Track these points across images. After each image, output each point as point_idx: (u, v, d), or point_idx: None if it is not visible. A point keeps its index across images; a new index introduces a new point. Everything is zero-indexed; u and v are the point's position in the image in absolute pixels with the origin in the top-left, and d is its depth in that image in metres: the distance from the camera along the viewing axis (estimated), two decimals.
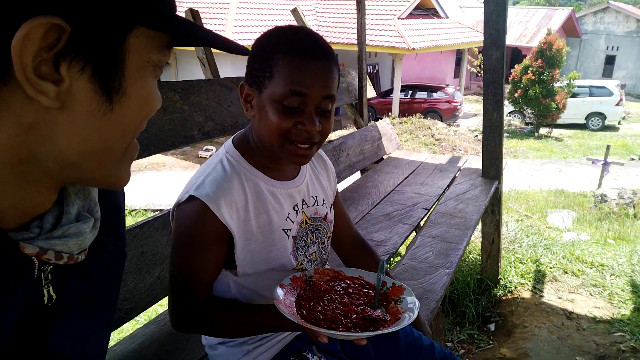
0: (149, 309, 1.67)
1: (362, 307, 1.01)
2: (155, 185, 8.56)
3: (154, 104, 0.54)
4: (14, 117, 0.44)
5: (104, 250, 0.66)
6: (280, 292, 0.99)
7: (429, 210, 2.83)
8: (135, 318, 1.73)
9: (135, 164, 10.50)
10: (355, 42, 3.63)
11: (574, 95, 14.99)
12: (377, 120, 4.40)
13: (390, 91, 16.19)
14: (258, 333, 1.09)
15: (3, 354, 0.50)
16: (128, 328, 2.81)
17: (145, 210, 6.74)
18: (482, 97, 3.35)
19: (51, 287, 0.56)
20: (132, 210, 6.63)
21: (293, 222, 1.12)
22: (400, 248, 2.49)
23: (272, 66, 0.97)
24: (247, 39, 12.43)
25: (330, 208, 1.26)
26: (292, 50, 0.97)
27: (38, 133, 0.46)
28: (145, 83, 0.51)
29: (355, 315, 0.97)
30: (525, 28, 22.80)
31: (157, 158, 11.10)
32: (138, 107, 0.51)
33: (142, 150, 1.77)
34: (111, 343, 1.51)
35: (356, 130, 3.65)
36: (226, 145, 1.10)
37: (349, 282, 1.10)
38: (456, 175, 3.48)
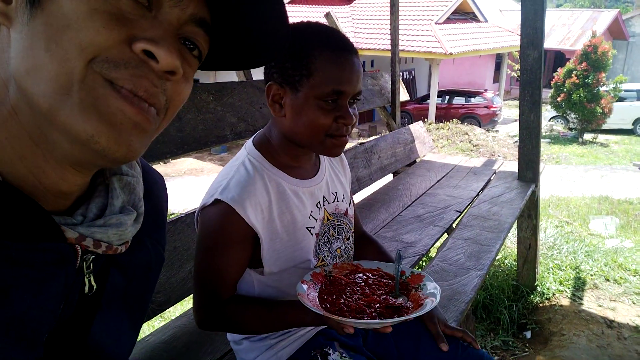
0: (179, 303, 1.72)
1: (383, 297, 1.02)
2: (193, 190, 8.76)
3: (87, 29, 0.45)
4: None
5: (145, 251, 0.67)
6: (302, 287, 1.00)
7: (461, 212, 2.79)
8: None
9: (175, 170, 10.80)
10: None
11: (621, 99, 14.40)
12: None
13: (427, 97, 16.01)
14: (283, 328, 1.10)
15: (45, 340, 0.51)
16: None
17: (182, 213, 6.89)
18: None
19: (92, 277, 0.56)
20: (171, 214, 6.82)
21: (316, 220, 1.13)
22: (431, 250, 2.46)
23: (309, 64, 0.97)
24: None
25: (350, 203, 1.26)
26: (329, 47, 0.98)
27: (8, 68, 0.47)
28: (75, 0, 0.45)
29: (378, 305, 0.98)
30: (569, 31, 22.09)
31: (196, 163, 11.38)
32: (61, 21, 0.45)
33: (177, 149, 1.83)
34: (142, 335, 1.56)
35: (388, 133, 3.64)
36: (247, 147, 1.11)
37: (368, 274, 1.12)
38: (491, 178, 3.42)
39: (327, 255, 1.16)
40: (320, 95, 0.98)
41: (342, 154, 1.31)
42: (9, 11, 0.46)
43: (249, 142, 1.12)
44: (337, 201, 1.20)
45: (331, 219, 1.18)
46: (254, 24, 0.59)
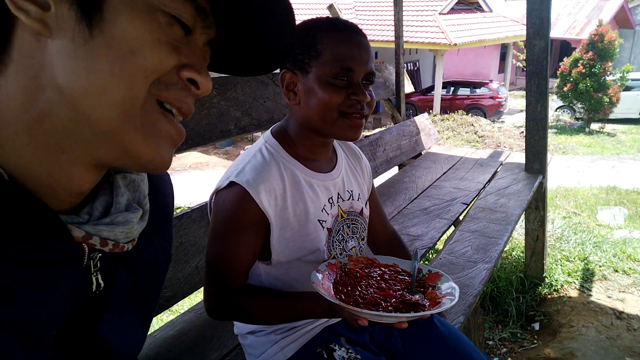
0: (186, 297, 1.72)
1: (400, 292, 1.00)
2: (198, 184, 8.79)
3: (152, 57, 0.48)
4: (28, 59, 0.46)
5: (151, 247, 0.67)
6: (317, 276, 0.98)
7: (468, 205, 2.77)
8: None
9: (180, 164, 10.83)
10: None
11: (628, 88, 14.23)
12: None
13: (432, 88, 15.92)
14: (293, 320, 1.09)
15: (53, 339, 0.51)
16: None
17: (189, 207, 6.92)
18: None
19: (100, 275, 0.57)
20: (177, 208, 6.83)
21: (328, 214, 1.12)
22: (438, 243, 2.45)
23: (316, 45, 0.99)
24: None
25: (366, 204, 1.25)
26: (334, 29, 1.00)
27: (44, 74, 0.46)
28: (136, 21, 0.47)
29: (394, 300, 0.96)
30: (575, 20, 21.86)
31: (201, 157, 11.40)
32: (125, 47, 0.46)
33: (181, 144, 1.82)
34: (151, 330, 1.57)
35: (393, 125, 3.62)
36: (265, 136, 1.12)
37: (384, 269, 1.10)
38: (497, 170, 3.39)
39: (341, 253, 1.15)
40: (330, 73, 0.99)
41: (365, 160, 1.31)
42: (47, 18, 0.45)
43: (267, 132, 1.13)
44: (353, 200, 1.20)
45: (345, 217, 1.17)
46: (259, 37, 0.61)
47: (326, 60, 0.98)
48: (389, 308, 0.93)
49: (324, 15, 1.09)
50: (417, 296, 0.99)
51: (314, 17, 1.06)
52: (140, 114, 0.49)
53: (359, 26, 1.06)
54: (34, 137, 0.48)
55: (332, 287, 0.98)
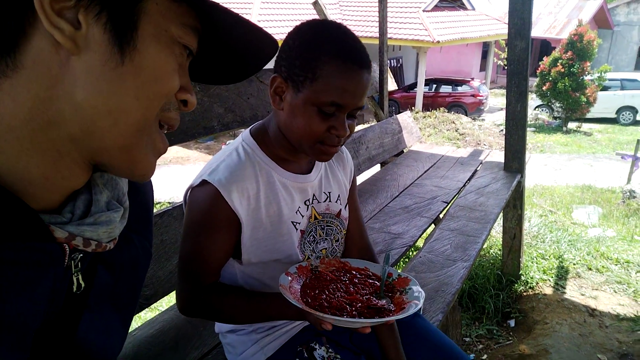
0: (166, 296, 1.71)
1: (367, 297, 1.01)
2: (179, 179, 8.70)
3: (169, 84, 0.53)
4: (44, 68, 0.46)
5: (132, 246, 0.67)
6: (285, 279, 0.99)
7: (448, 203, 2.81)
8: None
9: (161, 158, 10.58)
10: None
11: (605, 88, 14.53)
12: None
13: (414, 85, 16.01)
14: (262, 320, 1.10)
15: (32, 340, 0.51)
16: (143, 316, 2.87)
17: (169, 203, 6.87)
18: None
19: (80, 275, 0.57)
20: (157, 203, 6.77)
21: (303, 216, 1.12)
22: (418, 241, 2.48)
23: (316, 69, 0.94)
24: (273, 34, 12.47)
25: (346, 206, 1.25)
26: (340, 57, 0.94)
27: (61, 86, 0.47)
28: (161, 53, 0.51)
29: (360, 304, 0.97)
30: (555, 19, 22.20)
31: (182, 152, 11.27)
32: (151, 75, 0.51)
33: None
34: (130, 328, 1.55)
35: (376, 122, 3.64)
36: (243, 135, 1.11)
37: (354, 272, 1.10)
38: (477, 169, 3.44)
39: (311, 255, 1.15)
40: (319, 103, 0.96)
41: (347, 152, 1.29)
42: (78, 38, 0.46)
43: (246, 131, 1.12)
44: (329, 201, 1.19)
45: (320, 219, 1.17)
46: (239, 47, 0.64)
47: (320, 88, 0.95)
48: (354, 313, 0.94)
49: (328, 20, 1.04)
50: (384, 301, 1.00)
51: (325, 21, 1.01)
52: (148, 132, 0.54)
53: (343, 22, 1.03)
54: (36, 143, 0.48)
55: (299, 291, 0.99)
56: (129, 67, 0.49)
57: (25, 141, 0.48)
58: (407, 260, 3.33)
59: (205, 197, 1.01)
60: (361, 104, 1.00)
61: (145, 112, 0.52)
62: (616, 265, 3.74)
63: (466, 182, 3.16)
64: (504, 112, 3.29)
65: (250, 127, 1.13)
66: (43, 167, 0.50)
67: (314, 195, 1.16)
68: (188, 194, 1.05)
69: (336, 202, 1.21)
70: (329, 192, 1.19)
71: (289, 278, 1.01)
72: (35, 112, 0.47)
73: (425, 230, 2.48)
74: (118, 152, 0.53)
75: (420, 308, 0.96)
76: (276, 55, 1.02)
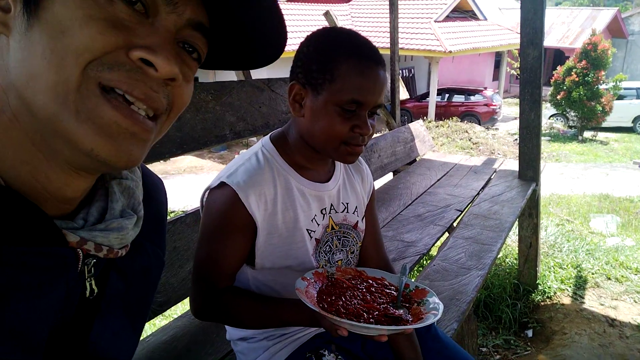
0: (179, 303, 1.71)
1: (384, 306, 0.99)
2: (193, 188, 8.75)
3: (81, 35, 0.45)
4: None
5: (144, 254, 0.67)
6: (302, 283, 0.98)
7: (462, 211, 2.78)
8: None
9: (175, 168, 10.79)
10: None
11: (621, 97, 14.39)
12: None
13: (426, 95, 15.99)
14: (276, 325, 1.08)
15: (45, 344, 0.51)
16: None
17: (183, 211, 6.90)
18: None
19: (93, 280, 0.57)
20: (171, 212, 6.81)
21: (318, 225, 1.12)
22: (432, 249, 2.46)
23: (333, 69, 0.96)
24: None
25: (362, 218, 1.24)
26: (355, 56, 0.97)
27: (8, 75, 0.47)
28: (68, 3, 0.45)
29: (377, 313, 0.95)
30: (568, 29, 22.07)
31: (196, 161, 11.37)
32: (56, 28, 0.45)
33: (176, 148, 1.82)
34: (143, 335, 1.56)
35: (388, 131, 3.63)
36: (263, 140, 1.12)
37: (371, 281, 1.09)
38: (491, 177, 3.41)
39: (326, 264, 1.14)
40: (340, 102, 0.97)
41: (366, 167, 1.29)
42: (8, 20, 0.46)
43: (266, 137, 1.12)
44: (347, 212, 1.19)
45: (337, 229, 1.16)
46: (251, 25, 0.59)
47: (340, 88, 0.96)
48: (370, 320, 0.93)
49: (338, 26, 1.05)
50: (401, 311, 0.98)
51: (336, 27, 1.04)
52: (75, 99, 0.45)
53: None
54: (12, 138, 0.48)
55: (316, 296, 0.98)
56: (36, 27, 0.45)
57: (2, 137, 0.48)
58: (420, 268, 3.30)
59: (222, 198, 1.01)
60: (380, 101, 1.01)
61: (58, 73, 0.44)
62: (636, 274, 3.66)
63: (480, 190, 3.13)
64: (517, 121, 3.26)
65: (270, 134, 1.14)
66: (29, 165, 0.49)
67: (331, 204, 1.15)
68: (206, 195, 1.06)
69: (353, 213, 1.20)
70: (347, 203, 1.19)
71: (305, 283, 0.99)
72: (2, 106, 0.47)
73: (438, 239, 2.45)
74: (52, 132, 0.47)
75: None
76: (291, 65, 1.04)
